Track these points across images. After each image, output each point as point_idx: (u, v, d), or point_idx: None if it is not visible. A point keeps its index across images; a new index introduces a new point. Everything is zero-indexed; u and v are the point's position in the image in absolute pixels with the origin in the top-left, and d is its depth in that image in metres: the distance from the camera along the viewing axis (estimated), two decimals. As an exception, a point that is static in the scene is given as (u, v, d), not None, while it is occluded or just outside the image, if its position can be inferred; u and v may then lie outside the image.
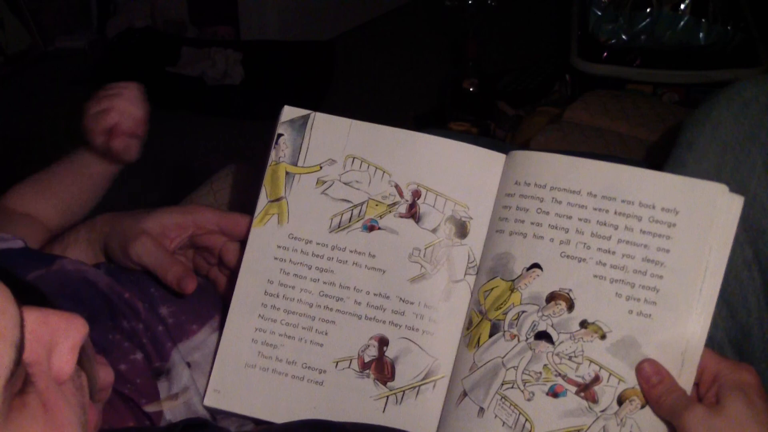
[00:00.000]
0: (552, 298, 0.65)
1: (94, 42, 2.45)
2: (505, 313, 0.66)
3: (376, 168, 0.71)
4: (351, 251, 0.71)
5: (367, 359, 0.69)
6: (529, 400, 0.64)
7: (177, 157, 1.91)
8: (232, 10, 2.41)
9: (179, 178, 1.89)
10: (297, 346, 0.71)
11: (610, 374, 0.62)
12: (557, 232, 0.65)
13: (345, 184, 0.72)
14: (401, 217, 0.71)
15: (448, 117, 1.82)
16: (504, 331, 0.66)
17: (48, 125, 2.13)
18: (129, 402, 0.71)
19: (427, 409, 0.68)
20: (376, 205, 0.71)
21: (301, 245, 0.71)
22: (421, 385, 0.69)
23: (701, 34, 1.83)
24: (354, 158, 0.72)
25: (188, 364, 0.73)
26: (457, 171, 0.70)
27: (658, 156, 0.98)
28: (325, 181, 0.72)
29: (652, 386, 0.61)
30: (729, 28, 1.82)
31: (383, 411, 0.69)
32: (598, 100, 1.64)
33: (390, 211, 0.71)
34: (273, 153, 0.73)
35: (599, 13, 1.88)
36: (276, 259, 0.72)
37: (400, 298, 0.69)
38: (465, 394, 0.66)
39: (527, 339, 0.65)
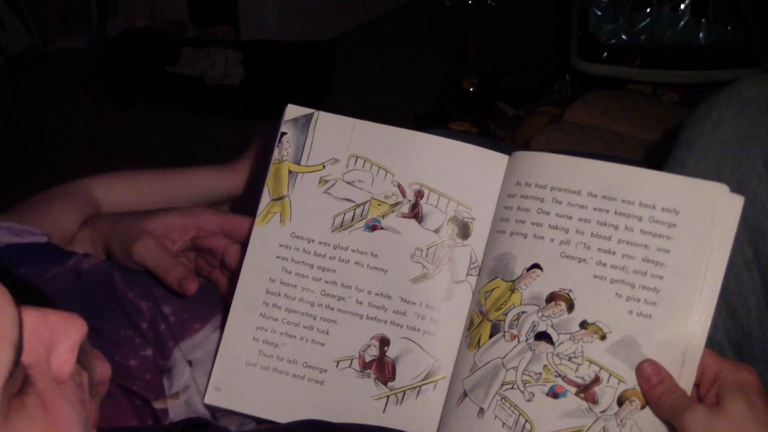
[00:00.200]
0: (552, 298, 0.65)
1: (94, 42, 2.44)
2: (506, 314, 0.66)
3: (379, 168, 0.71)
4: (353, 251, 0.71)
5: (368, 359, 0.69)
6: (529, 400, 0.64)
7: (177, 157, 1.91)
8: (232, 10, 2.41)
9: (179, 178, 1.89)
10: (298, 345, 0.71)
11: (610, 375, 0.62)
12: (557, 232, 0.65)
13: (348, 183, 0.72)
14: (404, 217, 0.71)
15: (448, 117, 1.82)
16: (504, 332, 0.66)
17: (48, 125, 2.14)
18: (133, 399, 0.71)
19: (428, 409, 0.68)
20: (379, 205, 0.71)
21: (303, 244, 0.72)
22: (422, 385, 0.69)
23: (701, 34, 1.83)
24: (357, 158, 0.72)
25: (189, 363, 0.73)
26: (460, 171, 0.70)
27: (658, 156, 0.98)
28: (328, 180, 0.72)
29: (653, 387, 0.61)
30: (729, 28, 1.82)
31: (383, 411, 0.69)
32: (598, 100, 1.64)
33: (392, 211, 0.71)
34: (276, 151, 0.73)
35: (599, 13, 1.88)
36: (278, 257, 0.72)
37: (402, 298, 0.69)
38: (465, 394, 0.66)
39: (527, 339, 0.65)
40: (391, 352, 0.69)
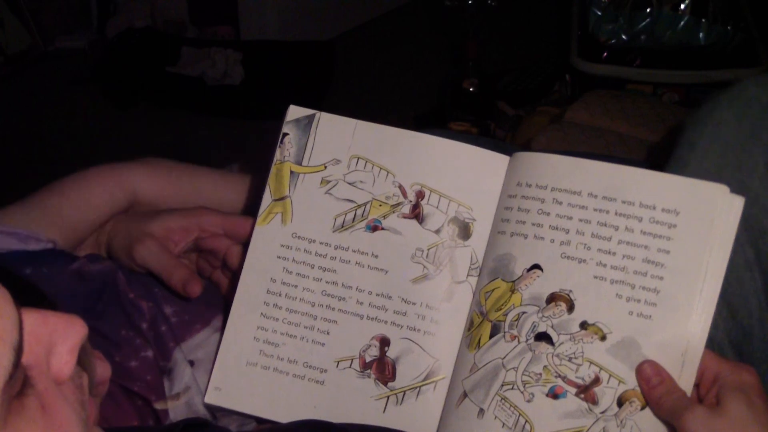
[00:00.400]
0: (552, 299, 0.65)
1: (94, 42, 2.44)
2: (506, 314, 0.66)
3: (381, 168, 0.71)
4: (354, 251, 0.71)
5: (368, 359, 0.70)
6: (529, 401, 0.64)
7: (177, 157, 1.90)
8: (232, 10, 2.41)
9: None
10: (298, 345, 0.71)
11: (610, 375, 0.62)
12: (558, 232, 0.65)
13: (349, 184, 0.72)
14: (404, 217, 0.71)
15: (448, 117, 1.82)
16: (504, 332, 0.66)
17: (48, 125, 2.14)
18: (134, 399, 0.71)
19: (428, 409, 0.68)
20: (380, 206, 0.71)
21: (305, 244, 0.72)
22: (422, 385, 0.69)
23: (701, 34, 1.83)
24: (358, 158, 0.72)
25: (191, 362, 0.74)
26: (461, 172, 0.70)
27: (659, 156, 0.98)
28: (330, 181, 0.72)
29: (653, 387, 0.61)
30: (729, 28, 1.82)
31: (383, 411, 0.69)
32: (598, 100, 1.63)
33: (393, 212, 0.71)
34: (278, 152, 0.73)
35: (599, 13, 1.88)
36: (279, 257, 0.72)
37: (402, 299, 0.69)
38: (465, 395, 0.66)
39: (527, 340, 0.65)
40: (391, 353, 0.69)
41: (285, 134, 0.73)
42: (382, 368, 0.69)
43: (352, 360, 0.70)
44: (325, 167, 0.73)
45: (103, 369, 0.54)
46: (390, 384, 0.69)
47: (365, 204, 0.71)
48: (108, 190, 0.82)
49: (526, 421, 0.63)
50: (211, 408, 0.73)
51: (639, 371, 0.61)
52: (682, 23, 1.83)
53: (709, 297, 0.61)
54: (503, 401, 0.64)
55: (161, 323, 0.74)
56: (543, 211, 0.66)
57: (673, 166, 0.79)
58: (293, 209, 0.72)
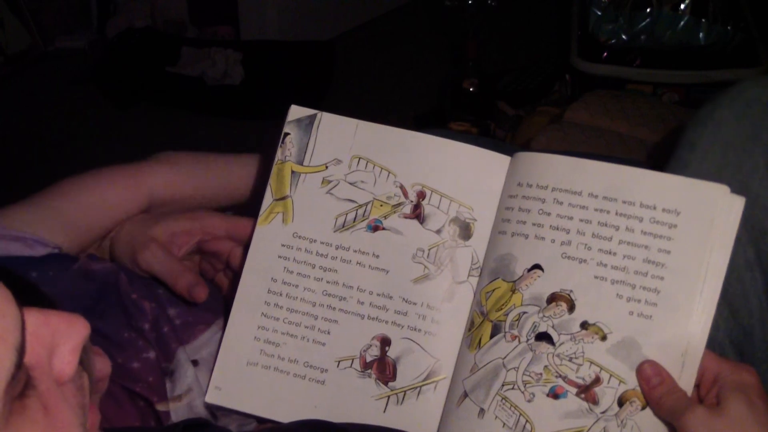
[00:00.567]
0: (553, 299, 0.65)
1: (94, 42, 2.44)
2: (506, 314, 0.66)
3: (382, 168, 0.71)
4: (355, 251, 0.71)
5: (369, 359, 0.70)
6: (529, 401, 0.64)
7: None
8: (232, 10, 2.41)
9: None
10: (299, 344, 0.71)
11: (611, 375, 0.62)
12: (558, 233, 0.65)
13: (350, 184, 0.72)
14: (405, 217, 0.71)
15: (448, 117, 1.82)
16: (505, 332, 0.66)
17: (48, 125, 2.13)
18: (136, 400, 0.71)
19: (428, 409, 0.68)
20: (381, 206, 0.71)
21: (306, 244, 0.72)
22: (423, 385, 0.69)
23: (701, 34, 1.83)
24: (360, 158, 0.72)
25: (195, 362, 0.74)
26: (462, 173, 0.70)
27: (659, 156, 0.98)
28: (331, 181, 0.72)
29: (653, 387, 0.61)
30: (729, 28, 1.82)
31: (384, 411, 0.69)
32: (598, 100, 1.64)
33: (394, 212, 0.71)
34: (279, 152, 0.73)
35: (599, 13, 1.88)
36: (280, 257, 0.72)
37: (403, 299, 0.69)
38: (466, 394, 0.66)
39: (528, 340, 0.65)
40: (392, 352, 0.69)
41: (286, 134, 0.73)
42: (382, 368, 0.69)
43: (352, 360, 0.70)
44: (327, 167, 0.73)
45: (103, 365, 0.54)
46: (390, 384, 0.69)
47: (366, 204, 0.71)
48: (122, 191, 0.82)
49: (527, 421, 0.63)
50: (211, 407, 0.73)
51: (639, 371, 0.61)
52: (682, 23, 1.83)
53: (709, 297, 0.61)
54: (504, 401, 0.64)
55: (164, 324, 0.74)
56: (544, 211, 0.66)
57: (674, 166, 0.79)
58: (294, 209, 0.72)
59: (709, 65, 1.81)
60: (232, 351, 0.72)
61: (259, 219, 0.73)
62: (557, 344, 0.64)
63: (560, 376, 0.63)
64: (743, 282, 0.75)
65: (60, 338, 0.41)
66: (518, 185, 0.68)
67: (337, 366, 0.70)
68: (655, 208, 0.63)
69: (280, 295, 0.71)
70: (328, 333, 0.70)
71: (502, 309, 0.66)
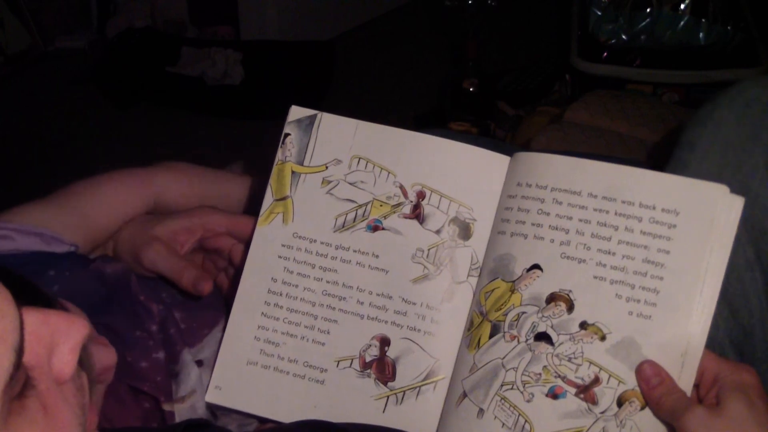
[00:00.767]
0: (552, 299, 0.65)
1: (94, 42, 2.44)
2: (506, 314, 0.66)
3: (382, 168, 0.71)
4: (355, 251, 0.71)
5: (368, 359, 0.70)
6: (528, 401, 0.64)
7: (177, 157, 1.90)
8: (232, 10, 2.41)
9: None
10: (299, 344, 0.71)
11: (610, 376, 0.62)
12: (558, 233, 0.65)
13: (350, 184, 0.72)
14: (405, 217, 0.71)
15: (448, 117, 1.82)
16: (504, 332, 0.66)
17: (48, 125, 2.14)
18: (141, 401, 0.71)
19: (427, 409, 0.68)
20: (381, 206, 0.71)
21: (306, 244, 0.72)
22: (422, 385, 0.69)
23: (701, 34, 1.83)
24: (360, 158, 0.72)
25: (200, 362, 0.74)
26: (462, 173, 0.70)
27: (659, 156, 0.98)
28: (331, 181, 0.72)
29: (652, 387, 0.61)
30: (729, 28, 1.82)
31: (383, 411, 0.69)
32: (598, 100, 1.64)
33: (394, 212, 0.71)
34: (279, 152, 0.73)
35: (599, 13, 1.88)
36: (280, 257, 0.72)
37: (403, 299, 0.69)
38: (465, 395, 0.66)
39: (527, 340, 0.65)
40: (391, 352, 0.69)
41: (287, 134, 0.74)
42: (382, 368, 0.69)
43: (352, 360, 0.70)
44: (327, 167, 0.73)
45: (108, 355, 0.54)
46: (390, 384, 0.69)
47: (366, 204, 0.71)
48: (133, 192, 0.84)
49: (526, 421, 0.63)
50: (211, 407, 0.73)
51: (639, 371, 0.61)
52: (682, 23, 1.83)
53: (708, 297, 0.61)
54: (503, 401, 0.64)
55: (170, 326, 0.74)
56: (543, 211, 0.66)
57: (674, 166, 0.79)
58: (294, 209, 0.73)
59: (709, 65, 1.81)
60: (232, 350, 0.72)
61: (260, 219, 0.73)
62: (556, 344, 0.64)
63: (559, 376, 0.63)
64: (743, 282, 0.75)
65: (59, 338, 0.40)
66: (518, 185, 0.68)
67: (337, 366, 0.70)
68: (654, 208, 0.63)
69: (280, 295, 0.72)
70: (328, 333, 0.70)
71: (501, 309, 0.66)
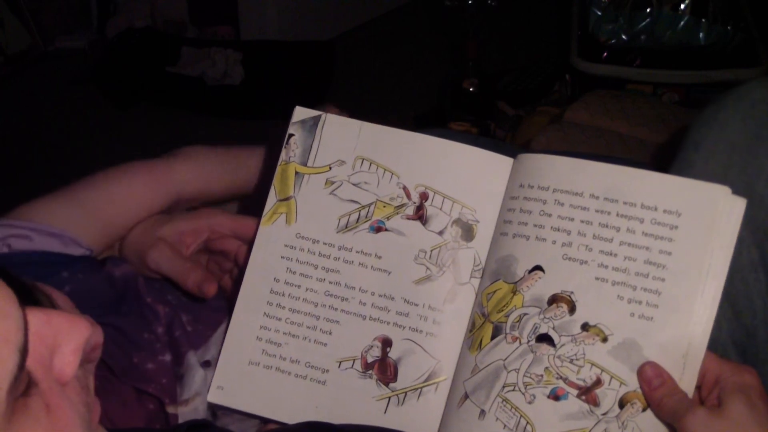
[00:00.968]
0: (554, 300, 0.65)
1: (94, 42, 2.44)
2: (507, 316, 0.66)
3: (385, 170, 0.72)
4: (357, 252, 0.71)
5: (370, 360, 0.70)
6: (530, 402, 0.64)
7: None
8: (232, 10, 2.41)
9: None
10: (301, 345, 0.71)
11: (612, 377, 0.62)
12: (559, 234, 0.65)
13: (353, 185, 0.72)
14: (408, 218, 0.71)
15: (448, 117, 1.82)
16: (506, 334, 0.66)
17: (48, 125, 2.13)
18: (146, 402, 0.71)
19: (429, 410, 0.68)
20: (384, 207, 0.71)
21: (308, 245, 0.72)
22: (424, 386, 0.69)
23: (701, 34, 1.83)
24: (363, 160, 0.72)
25: (208, 363, 0.74)
26: (465, 174, 0.70)
27: (664, 157, 0.98)
28: (334, 182, 0.72)
29: (654, 389, 0.61)
30: (729, 28, 1.82)
31: (385, 412, 0.69)
32: (598, 100, 1.64)
33: (397, 213, 0.71)
34: (283, 153, 0.73)
35: (599, 13, 1.88)
36: (283, 258, 0.72)
37: (405, 300, 0.69)
38: (466, 396, 0.66)
39: (529, 341, 0.65)
40: (393, 353, 0.69)
41: (290, 135, 0.74)
42: (383, 369, 0.69)
43: (354, 360, 0.70)
44: (330, 168, 0.73)
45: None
46: (391, 385, 0.69)
47: (369, 205, 0.72)
48: (151, 188, 0.83)
49: (528, 422, 0.63)
50: (212, 406, 0.73)
51: (640, 373, 0.61)
52: (682, 23, 1.83)
53: (710, 298, 0.61)
54: (504, 403, 0.64)
55: (176, 328, 0.74)
56: (545, 213, 0.66)
57: (679, 167, 0.79)
58: (298, 210, 0.73)
59: (709, 65, 1.81)
60: (234, 351, 0.72)
61: (263, 219, 0.73)
62: (558, 346, 0.64)
63: (561, 377, 0.63)
64: (747, 283, 0.75)
65: (62, 338, 0.41)
66: (520, 186, 0.68)
67: (339, 366, 0.70)
68: (656, 209, 0.63)
69: (283, 295, 0.72)
70: (330, 333, 0.70)
71: (503, 310, 0.66)
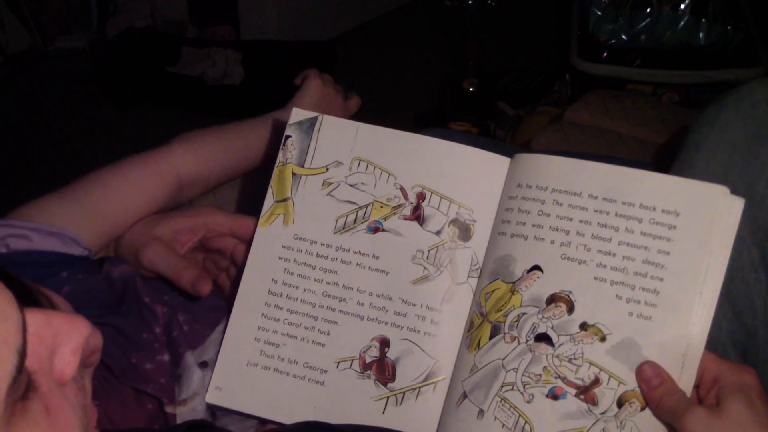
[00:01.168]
0: (552, 300, 0.65)
1: (94, 42, 2.44)
2: (506, 315, 0.66)
3: (382, 170, 0.72)
4: (355, 252, 0.71)
5: (368, 360, 0.70)
6: (528, 402, 0.64)
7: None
8: (232, 10, 2.41)
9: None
10: (299, 345, 0.71)
11: (610, 376, 0.62)
12: (558, 234, 0.65)
13: (351, 186, 0.72)
14: (405, 219, 0.71)
15: (448, 117, 1.82)
16: (504, 333, 0.66)
17: (48, 125, 2.14)
18: (145, 402, 0.71)
19: (427, 410, 0.69)
20: (381, 207, 0.71)
21: (306, 245, 0.72)
22: (422, 386, 0.69)
23: (701, 34, 1.83)
24: (360, 160, 0.72)
25: (205, 364, 0.74)
26: (462, 174, 0.70)
27: (663, 157, 0.98)
28: (331, 183, 0.72)
29: (653, 388, 0.61)
30: (729, 28, 1.82)
31: (383, 412, 0.69)
32: (598, 100, 1.63)
33: (394, 213, 0.71)
34: (280, 154, 0.74)
35: (599, 13, 1.88)
36: (281, 258, 0.72)
37: (403, 300, 0.70)
38: (465, 395, 0.66)
39: (527, 341, 0.65)
40: (391, 354, 0.69)
41: (288, 136, 0.74)
42: (382, 369, 0.69)
43: (352, 361, 0.70)
44: (327, 169, 0.73)
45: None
46: (390, 385, 0.69)
47: (366, 206, 0.72)
48: (147, 174, 0.83)
49: (526, 422, 0.63)
50: (211, 407, 0.73)
51: (639, 372, 0.61)
52: (682, 23, 1.83)
53: (709, 298, 0.61)
54: (503, 402, 0.65)
55: (174, 328, 0.74)
56: (543, 213, 0.66)
57: (679, 167, 0.79)
58: (295, 211, 0.73)
59: (709, 65, 1.81)
60: (232, 351, 0.72)
61: (260, 220, 0.73)
62: (556, 345, 0.64)
63: (559, 377, 0.63)
64: (747, 283, 0.75)
65: (61, 339, 0.40)
66: (518, 186, 0.68)
67: (337, 367, 0.70)
68: (654, 209, 0.63)
69: (281, 296, 0.72)
70: (328, 334, 0.71)
71: (501, 310, 0.66)
